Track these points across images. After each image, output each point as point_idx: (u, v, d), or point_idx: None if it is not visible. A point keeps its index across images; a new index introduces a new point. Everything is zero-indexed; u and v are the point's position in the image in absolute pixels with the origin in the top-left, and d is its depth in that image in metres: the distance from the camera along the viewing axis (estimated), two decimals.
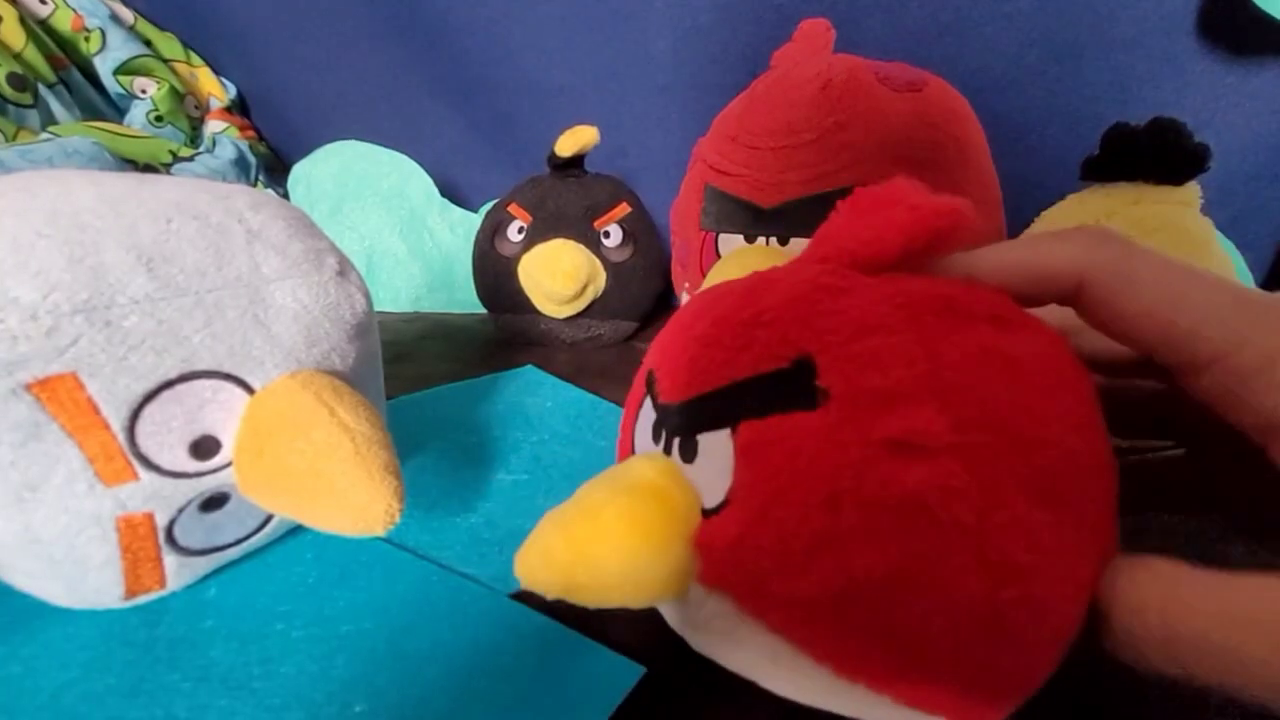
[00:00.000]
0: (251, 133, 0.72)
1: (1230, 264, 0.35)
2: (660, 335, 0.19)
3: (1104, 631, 0.13)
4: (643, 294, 0.49)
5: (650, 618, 0.23)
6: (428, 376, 0.42)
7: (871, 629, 0.13)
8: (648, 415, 0.18)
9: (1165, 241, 0.33)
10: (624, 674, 0.21)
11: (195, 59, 0.69)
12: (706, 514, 0.15)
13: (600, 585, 0.15)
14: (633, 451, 0.20)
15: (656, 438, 0.18)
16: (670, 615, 0.18)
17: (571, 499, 0.17)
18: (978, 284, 0.15)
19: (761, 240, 0.36)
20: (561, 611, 0.23)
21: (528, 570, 0.16)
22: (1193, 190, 0.35)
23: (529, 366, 0.43)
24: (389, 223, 0.62)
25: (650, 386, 0.18)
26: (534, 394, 0.39)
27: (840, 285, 0.15)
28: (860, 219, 0.16)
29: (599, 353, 0.49)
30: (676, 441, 0.16)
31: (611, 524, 0.15)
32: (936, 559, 0.12)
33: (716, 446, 0.15)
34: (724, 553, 0.15)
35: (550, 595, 0.16)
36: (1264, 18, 0.44)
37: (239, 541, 0.24)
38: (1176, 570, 0.13)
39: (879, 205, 0.16)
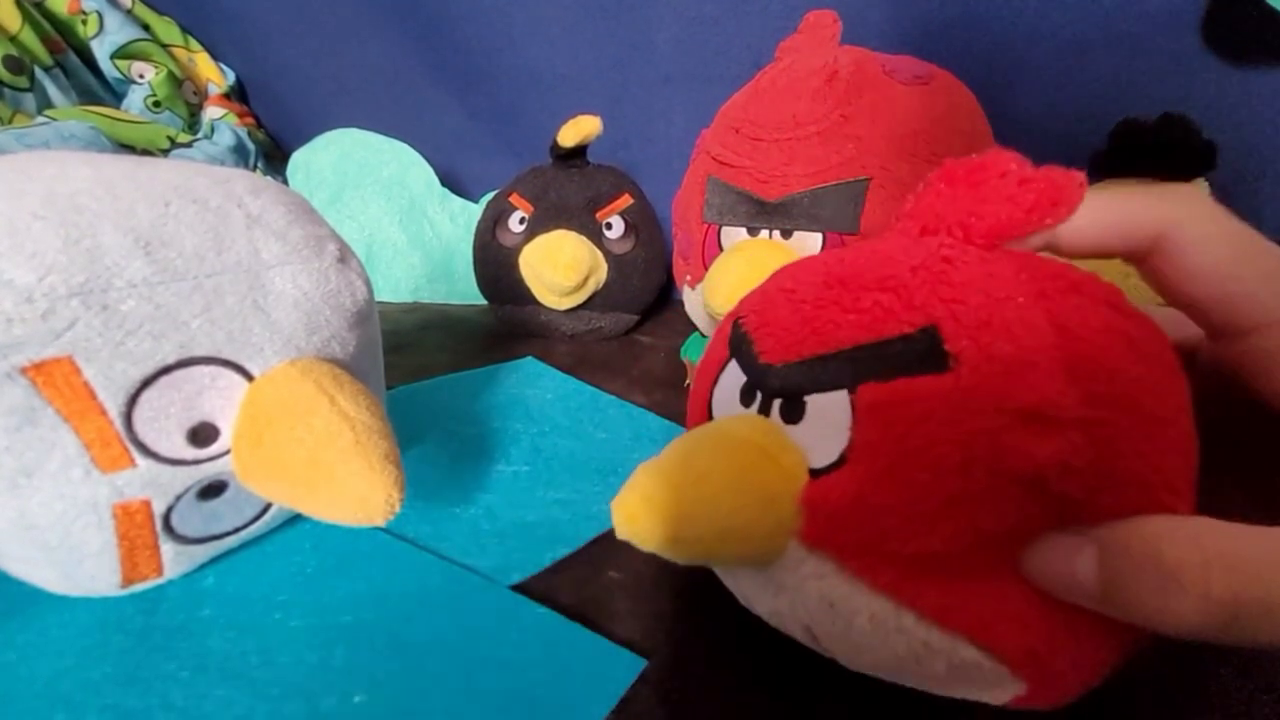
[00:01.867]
0: (250, 120, 0.71)
1: None
2: (753, 298, 0.19)
3: (1165, 593, 0.13)
4: (644, 287, 0.49)
5: (652, 610, 0.23)
6: (427, 367, 0.42)
7: (983, 584, 0.14)
8: (734, 378, 0.18)
9: None
10: (625, 666, 0.20)
11: (194, 44, 0.68)
12: (815, 474, 0.15)
13: (703, 541, 0.16)
14: (709, 416, 0.19)
15: (748, 400, 0.17)
16: (746, 581, 0.18)
17: (671, 455, 0.16)
18: (1091, 273, 0.16)
19: (765, 234, 0.36)
20: (562, 603, 0.23)
21: (628, 518, 0.16)
22: (1200, 187, 0.34)
23: (529, 358, 0.43)
24: (389, 212, 0.62)
25: (740, 348, 0.18)
26: (534, 385, 0.39)
27: (963, 257, 0.15)
28: (967, 192, 0.16)
29: (600, 345, 0.49)
30: (778, 403, 0.16)
31: (721, 481, 0.15)
32: (1042, 523, 0.13)
33: (831, 407, 0.15)
34: (837, 511, 0.15)
35: (647, 547, 0.16)
36: (1272, 14, 0.43)
37: (237, 530, 0.23)
38: (1228, 525, 0.13)
39: (983, 177, 0.16)
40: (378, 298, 0.25)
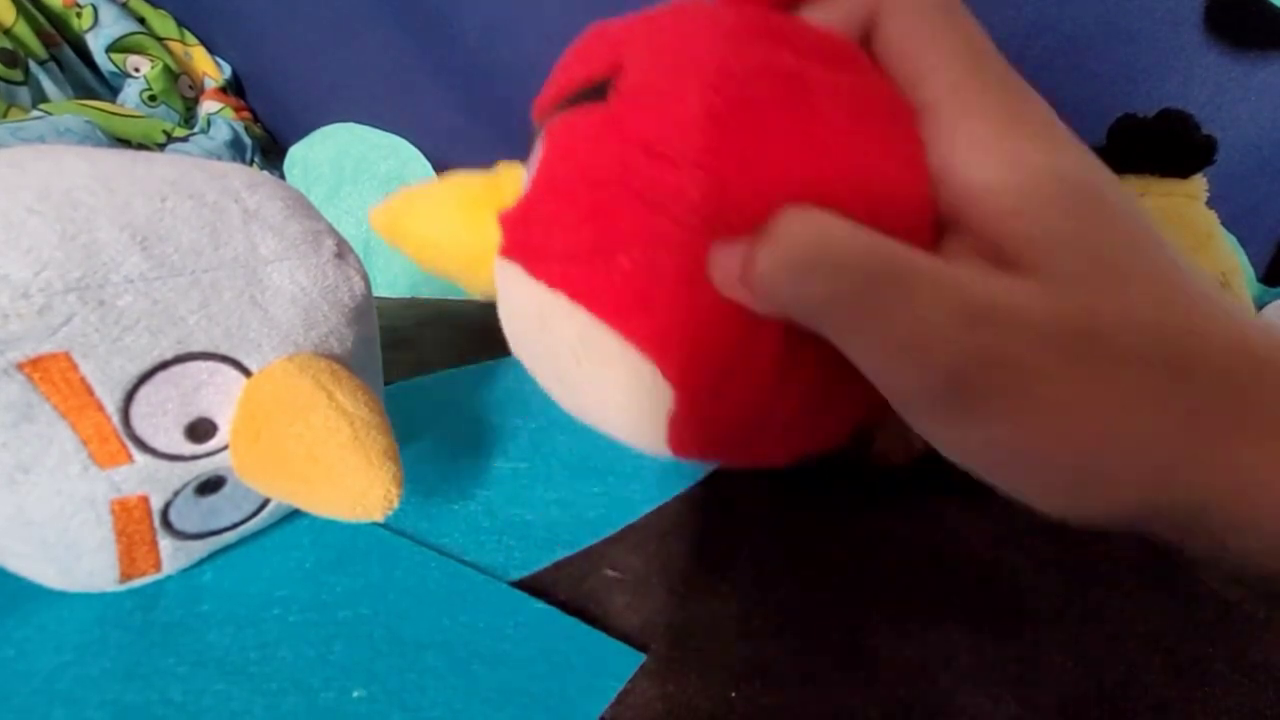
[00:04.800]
0: (247, 114, 0.71)
1: (1234, 256, 0.34)
2: None
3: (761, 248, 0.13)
4: None
5: (650, 605, 0.23)
6: (426, 363, 0.42)
7: (624, 283, 0.15)
8: None
9: (1170, 234, 0.33)
10: (623, 661, 0.21)
11: (190, 38, 0.68)
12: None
13: (429, 241, 0.19)
14: None
15: None
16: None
17: (426, 186, 0.20)
18: (829, 28, 0.15)
19: None
20: (560, 599, 0.23)
21: (374, 217, 0.20)
22: (1199, 183, 0.34)
23: None
24: None
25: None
26: (532, 382, 0.39)
27: (685, 9, 0.16)
28: None
29: None
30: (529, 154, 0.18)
31: (449, 200, 0.19)
32: (673, 244, 0.14)
33: (536, 146, 0.17)
34: (515, 220, 0.17)
35: (387, 240, 0.20)
36: (1271, 11, 0.43)
37: (235, 526, 0.23)
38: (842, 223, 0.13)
39: None
40: (375, 293, 0.25)
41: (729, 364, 0.15)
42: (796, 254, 0.13)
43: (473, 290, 0.19)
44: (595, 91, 0.16)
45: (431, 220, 0.19)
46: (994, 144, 0.13)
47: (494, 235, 0.17)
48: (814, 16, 0.15)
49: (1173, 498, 0.12)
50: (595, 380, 0.16)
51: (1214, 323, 0.12)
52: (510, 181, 0.18)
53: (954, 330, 0.12)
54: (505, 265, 0.17)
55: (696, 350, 0.15)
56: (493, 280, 0.18)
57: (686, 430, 0.16)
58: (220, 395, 0.20)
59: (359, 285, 0.23)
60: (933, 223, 0.14)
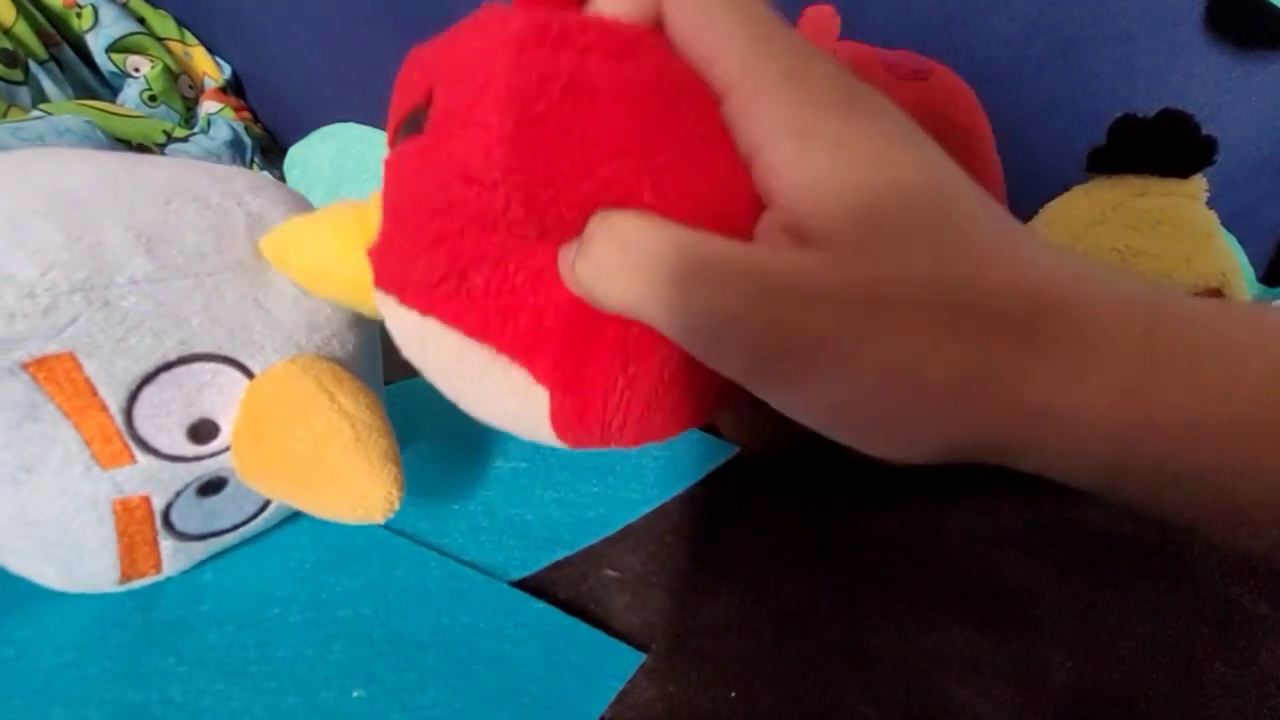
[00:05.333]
0: (247, 114, 0.71)
1: (1234, 257, 0.34)
2: None
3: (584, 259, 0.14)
4: None
5: (649, 605, 0.23)
6: None
7: (482, 301, 0.16)
8: None
9: (1169, 234, 0.33)
10: (623, 660, 0.21)
11: (190, 38, 0.68)
12: None
13: (309, 269, 0.19)
14: None
15: None
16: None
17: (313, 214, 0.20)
18: (616, 19, 0.15)
19: None
20: (560, 599, 0.23)
21: (264, 246, 0.20)
22: (1199, 183, 0.34)
23: None
24: None
25: None
26: None
27: (482, 22, 0.16)
28: None
29: None
30: None
31: (319, 224, 0.19)
32: (516, 255, 0.15)
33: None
34: (376, 254, 0.18)
35: (283, 270, 0.20)
36: (1271, 10, 0.43)
37: (236, 527, 0.23)
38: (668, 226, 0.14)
39: None
40: None
41: (589, 355, 0.16)
42: (603, 259, 0.14)
43: (368, 315, 0.20)
44: (413, 123, 0.16)
45: (315, 251, 0.19)
46: (787, 120, 0.13)
47: (367, 268, 0.18)
48: (604, 9, 0.15)
49: (977, 432, 0.13)
50: (480, 392, 0.17)
51: (991, 270, 0.13)
52: (377, 212, 0.18)
53: (755, 309, 0.13)
54: (382, 297, 0.18)
55: (559, 349, 0.16)
56: (375, 307, 0.19)
57: (567, 422, 0.17)
58: (223, 397, 0.20)
59: None
60: (750, 202, 0.14)
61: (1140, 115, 0.34)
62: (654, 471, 0.30)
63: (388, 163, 0.17)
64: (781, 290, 0.13)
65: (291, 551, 0.25)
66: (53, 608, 0.22)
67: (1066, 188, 0.38)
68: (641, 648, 0.21)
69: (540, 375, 0.16)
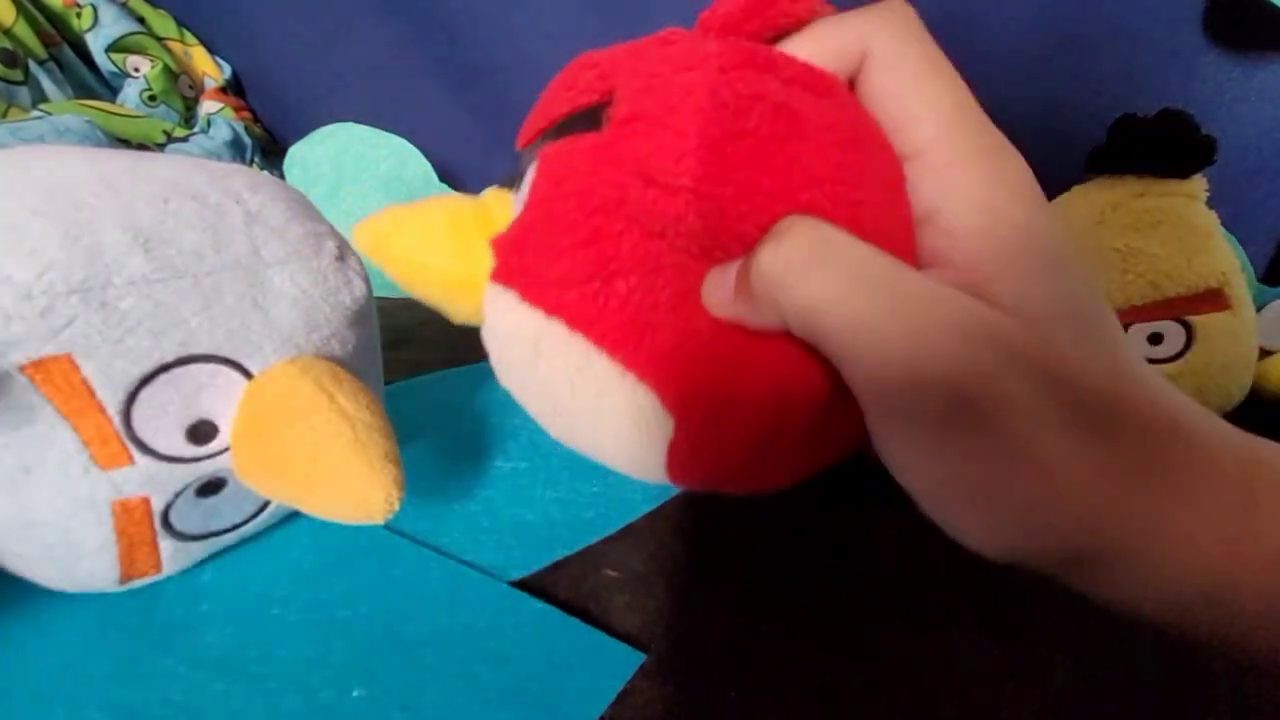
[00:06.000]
0: (246, 114, 0.71)
1: (1234, 257, 0.34)
2: None
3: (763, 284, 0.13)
4: None
5: (649, 605, 0.23)
6: (426, 362, 0.42)
7: (620, 310, 0.15)
8: None
9: (1169, 234, 0.33)
10: (623, 661, 0.21)
11: (190, 38, 0.68)
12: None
13: (409, 260, 0.19)
14: None
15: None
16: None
17: (415, 206, 0.19)
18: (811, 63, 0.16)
19: None
20: (560, 599, 0.23)
21: (358, 233, 0.19)
22: (1198, 183, 0.34)
23: None
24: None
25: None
26: None
27: (671, 39, 0.16)
28: None
29: None
30: (517, 180, 0.18)
31: (427, 213, 0.19)
32: (671, 269, 0.14)
33: (529, 172, 0.17)
34: (510, 246, 0.17)
35: (371, 259, 0.19)
36: (1272, 10, 0.43)
37: (236, 527, 0.23)
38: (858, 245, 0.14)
39: None
40: (375, 293, 0.25)
41: (728, 390, 0.15)
42: (800, 251, 0.13)
43: (455, 316, 0.19)
44: (587, 119, 0.16)
45: (418, 242, 0.18)
46: (979, 194, 0.14)
47: (481, 261, 0.17)
48: (799, 50, 0.15)
49: (1094, 544, 0.13)
50: (591, 410, 0.16)
51: (1139, 385, 0.13)
52: (499, 207, 0.18)
53: (953, 345, 0.12)
54: (498, 291, 0.17)
55: (696, 377, 0.15)
56: (477, 307, 0.18)
57: (686, 459, 0.16)
58: (221, 397, 0.20)
59: (360, 287, 0.23)
60: (913, 254, 0.15)
61: (1140, 115, 0.34)
62: None
63: (547, 153, 0.16)
64: (982, 333, 0.13)
65: (291, 551, 0.25)
66: (51, 609, 0.21)
67: (1066, 188, 0.38)
68: (641, 648, 0.21)
69: (670, 403, 0.15)
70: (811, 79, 0.15)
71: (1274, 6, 0.43)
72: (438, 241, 0.18)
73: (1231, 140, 0.45)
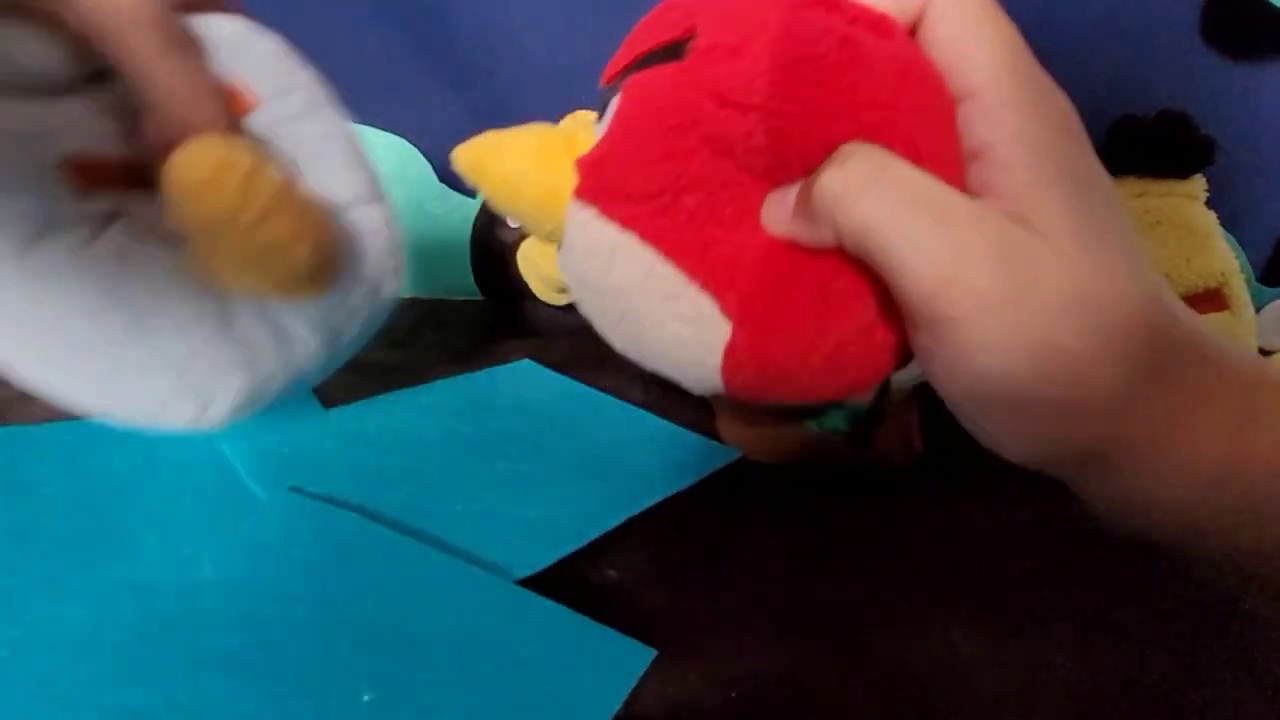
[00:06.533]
0: None
1: (1233, 257, 0.34)
2: None
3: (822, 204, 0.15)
4: None
5: (655, 604, 0.23)
6: (424, 364, 0.42)
7: (687, 223, 0.17)
8: None
9: (1169, 234, 0.33)
10: (635, 657, 0.20)
11: None
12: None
13: (503, 177, 0.20)
14: None
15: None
16: (561, 259, 0.21)
17: (512, 132, 0.21)
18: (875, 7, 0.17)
19: None
20: (561, 598, 0.23)
21: (459, 155, 0.21)
22: (1198, 183, 0.35)
23: (526, 361, 0.43)
24: None
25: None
26: (533, 387, 0.39)
27: None
28: None
29: (597, 342, 0.49)
30: (601, 110, 0.20)
31: (521, 136, 0.20)
32: (734, 187, 0.16)
33: (612, 102, 0.18)
34: (593, 164, 0.18)
35: (467, 177, 0.21)
36: (1271, 11, 0.43)
37: None
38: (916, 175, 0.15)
39: None
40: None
41: (781, 300, 0.17)
42: (859, 173, 0.15)
43: (539, 232, 0.21)
44: (670, 52, 0.17)
45: (512, 161, 0.20)
46: (1027, 131, 0.15)
47: (566, 181, 0.18)
48: None
49: (1113, 443, 0.15)
50: (657, 316, 0.18)
51: (1159, 304, 0.15)
52: (584, 132, 0.19)
53: (995, 256, 0.14)
54: (579, 208, 0.18)
55: (752, 287, 0.17)
56: (559, 223, 0.19)
57: (740, 361, 0.17)
58: None
59: None
60: (962, 183, 0.16)
61: (1140, 115, 0.34)
62: (654, 471, 0.30)
63: (630, 83, 0.18)
64: (1019, 254, 0.14)
65: (292, 549, 0.24)
66: (42, 604, 0.21)
67: None
68: (653, 644, 0.21)
69: (728, 307, 0.17)
70: (874, 20, 0.16)
71: (1274, 6, 0.43)
72: (529, 162, 0.20)
73: (1231, 140, 0.45)
